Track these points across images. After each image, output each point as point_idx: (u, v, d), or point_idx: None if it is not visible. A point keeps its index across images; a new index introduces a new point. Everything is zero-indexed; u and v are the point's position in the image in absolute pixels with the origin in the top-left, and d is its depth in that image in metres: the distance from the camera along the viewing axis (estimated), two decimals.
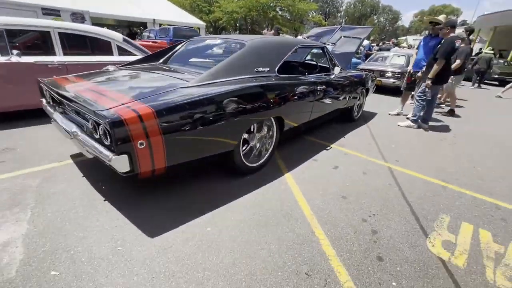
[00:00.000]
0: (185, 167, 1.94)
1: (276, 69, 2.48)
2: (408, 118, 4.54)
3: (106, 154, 1.46)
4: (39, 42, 3.50)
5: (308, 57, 4.78)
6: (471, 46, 6.08)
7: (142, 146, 1.47)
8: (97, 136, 1.58)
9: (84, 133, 1.71)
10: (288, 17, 30.32)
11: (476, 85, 10.42)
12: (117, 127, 1.36)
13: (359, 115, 4.60)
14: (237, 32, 33.97)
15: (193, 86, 1.89)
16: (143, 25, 17.78)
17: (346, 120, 4.33)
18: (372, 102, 5.93)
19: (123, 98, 1.60)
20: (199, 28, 18.09)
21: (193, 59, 2.86)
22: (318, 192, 2.24)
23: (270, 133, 2.54)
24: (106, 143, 1.50)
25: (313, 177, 2.50)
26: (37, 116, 3.48)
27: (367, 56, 9.57)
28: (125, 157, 1.43)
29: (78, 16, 13.98)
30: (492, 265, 1.58)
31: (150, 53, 4.63)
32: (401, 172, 2.72)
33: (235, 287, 1.32)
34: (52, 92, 2.00)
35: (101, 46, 4.01)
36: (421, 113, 4.27)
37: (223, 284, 1.33)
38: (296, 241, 1.66)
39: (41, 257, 1.42)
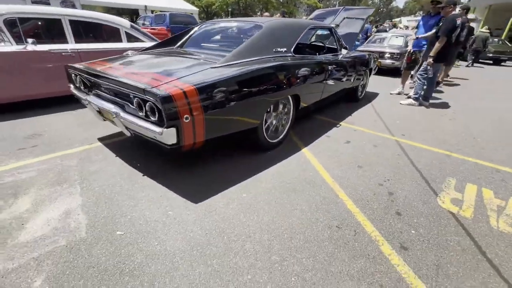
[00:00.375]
0: (213, 145, 2.10)
1: (292, 49, 2.61)
2: (409, 97, 4.72)
3: (154, 129, 1.60)
4: (51, 30, 3.52)
5: (313, 38, 4.86)
6: (469, 24, 6.22)
7: (187, 120, 1.62)
8: (141, 114, 1.72)
9: (126, 112, 1.84)
10: (281, 0, 29.72)
11: (471, 64, 10.65)
12: (167, 103, 1.50)
13: (363, 95, 4.77)
14: (229, 17, 33.22)
15: (221, 66, 2.02)
16: (134, 12, 17.32)
17: (351, 100, 4.51)
18: (372, 83, 6.07)
19: (164, 78, 1.74)
20: (191, 14, 17.71)
21: (212, 42, 2.95)
22: (335, 163, 2.44)
23: (286, 110, 2.69)
24: (153, 119, 1.65)
25: (328, 150, 2.69)
26: (53, 103, 3.60)
27: (367, 38, 9.61)
28: (173, 130, 1.58)
29: (68, 4, 13.59)
30: (495, 215, 1.81)
31: (156, 39, 4.70)
32: (408, 144, 2.93)
33: (279, 239, 1.52)
34: (87, 76, 2.10)
35: (110, 33, 4.05)
36: (422, 92, 4.46)
37: (268, 236, 1.53)
38: (323, 202, 1.87)
39: (103, 221, 1.60)
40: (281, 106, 2.60)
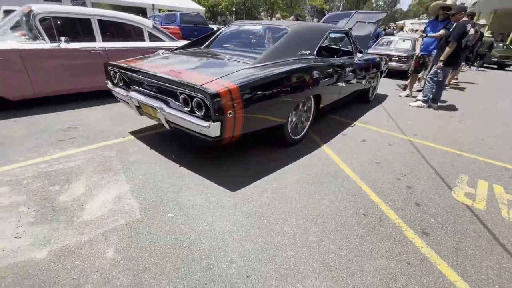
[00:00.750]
0: (240, 141, 2.26)
1: (315, 52, 2.79)
2: (418, 99, 4.88)
3: (201, 123, 1.77)
4: (81, 29, 3.69)
5: (326, 41, 5.01)
6: (480, 29, 6.37)
7: (230, 116, 1.79)
8: (186, 109, 1.90)
9: (170, 107, 2.02)
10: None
11: (475, 68, 10.84)
12: (216, 99, 1.68)
13: (373, 96, 4.94)
14: (233, 17, 33.43)
15: (255, 67, 2.19)
16: (141, 10, 17.50)
17: (363, 101, 4.68)
18: (381, 85, 6.23)
19: (208, 77, 1.91)
20: (198, 13, 17.88)
21: (240, 43, 3.11)
22: (355, 159, 2.61)
23: (305, 109, 2.85)
24: (199, 113, 1.82)
25: (347, 148, 2.87)
26: (80, 99, 3.79)
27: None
28: (218, 124, 1.76)
29: (78, 2, 13.79)
30: (506, 208, 1.98)
31: (175, 38, 4.87)
32: (420, 144, 3.10)
33: (313, 223, 1.70)
34: (131, 74, 2.28)
35: (134, 33, 4.23)
36: (431, 94, 4.62)
37: (303, 221, 1.71)
38: (349, 193, 2.04)
39: (153, 205, 1.78)
40: (300, 105, 2.77)
